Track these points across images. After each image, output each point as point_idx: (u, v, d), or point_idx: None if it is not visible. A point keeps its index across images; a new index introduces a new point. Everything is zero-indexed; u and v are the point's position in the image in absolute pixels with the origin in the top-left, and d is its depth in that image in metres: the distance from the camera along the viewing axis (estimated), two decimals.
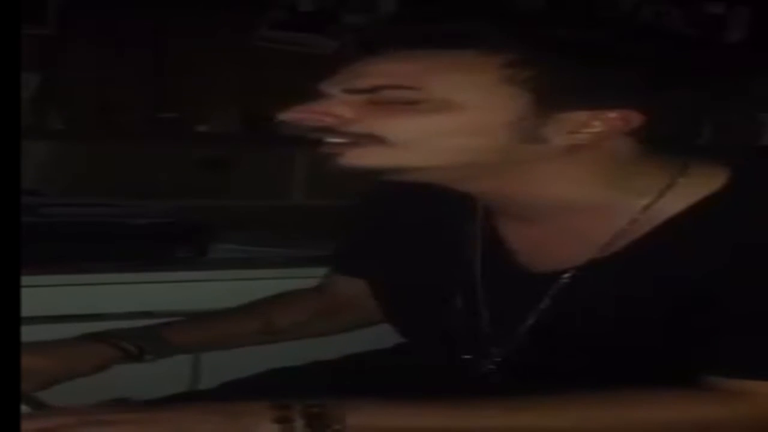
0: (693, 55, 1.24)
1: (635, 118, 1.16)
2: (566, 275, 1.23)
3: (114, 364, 1.41)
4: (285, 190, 2.75)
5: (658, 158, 1.21)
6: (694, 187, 1.19)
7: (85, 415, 1.11)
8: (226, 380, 1.50)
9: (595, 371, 1.21)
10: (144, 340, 1.43)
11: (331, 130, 1.17)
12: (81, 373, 1.40)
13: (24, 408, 1.14)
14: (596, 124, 1.15)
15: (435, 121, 1.14)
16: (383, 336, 1.51)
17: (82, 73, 2.49)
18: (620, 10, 2.95)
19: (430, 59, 1.14)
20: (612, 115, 1.15)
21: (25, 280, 1.09)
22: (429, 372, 1.37)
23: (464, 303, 1.31)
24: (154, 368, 1.47)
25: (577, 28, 1.17)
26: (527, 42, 1.14)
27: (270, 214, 2.56)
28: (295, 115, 1.18)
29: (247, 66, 2.63)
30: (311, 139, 1.19)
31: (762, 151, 1.26)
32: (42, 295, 1.83)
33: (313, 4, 2.71)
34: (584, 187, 1.20)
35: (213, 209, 2.37)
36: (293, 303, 1.58)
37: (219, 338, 1.53)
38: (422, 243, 1.37)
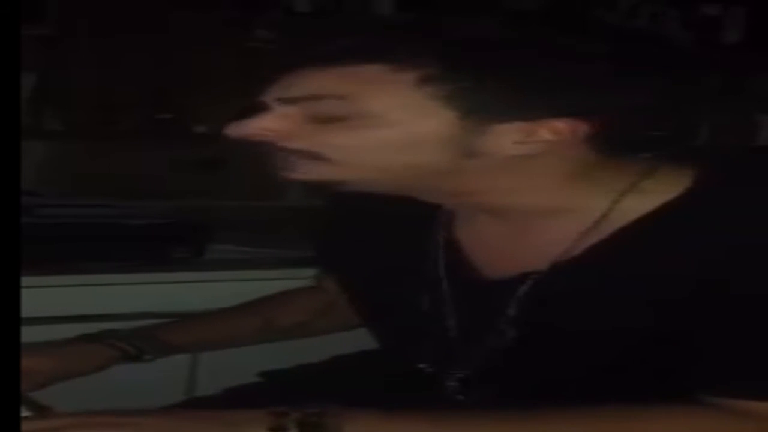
0: (638, 56, 1.19)
1: (582, 127, 1.12)
2: (528, 280, 1.20)
3: (112, 365, 1.42)
4: (282, 190, 2.74)
5: (621, 161, 1.18)
6: (658, 191, 1.16)
7: (82, 417, 1.11)
8: (223, 385, 1.49)
9: (566, 384, 1.20)
10: (142, 340, 1.43)
11: (273, 145, 1.16)
12: (79, 374, 1.40)
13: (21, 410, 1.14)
14: (543, 133, 1.11)
15: (367, 136, 1.12)
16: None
17: (80, 73, 2.49)
18: (618, 11, 2.96)
19: (346, 72, 1.12)
20: (559, 124, 1.11)
21: (22, 280, 1.08)
22: (404, 378, 1.35)
23: (430, 307, 1.28)
24: (151, 371, 1.47)
25: (491, 40, 1.13)
26: (437, 58, 1.10)
27: (267, 215, 2.56)
28: (239, 131, 1.17)
29: (245, 67, 2.63)
30: (258, 153, 1.19)
31: (732, 152, 1.23)
32: (38, 296, 1.83)
33: (309, 5, 2.71)
34: (544, 192, 1.17)
35: (210, 210, 2.37)
36: (292, 302, 1.58)
37: (218, 338, 1.53)
38: (388, 245, 1.34)
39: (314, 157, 1.14)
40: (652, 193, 1.16)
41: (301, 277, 1.68)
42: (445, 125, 1.11)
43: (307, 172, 1.16)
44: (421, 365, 1.31)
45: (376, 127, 1.11)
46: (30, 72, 2.35)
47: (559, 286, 1.18)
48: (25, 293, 1.09)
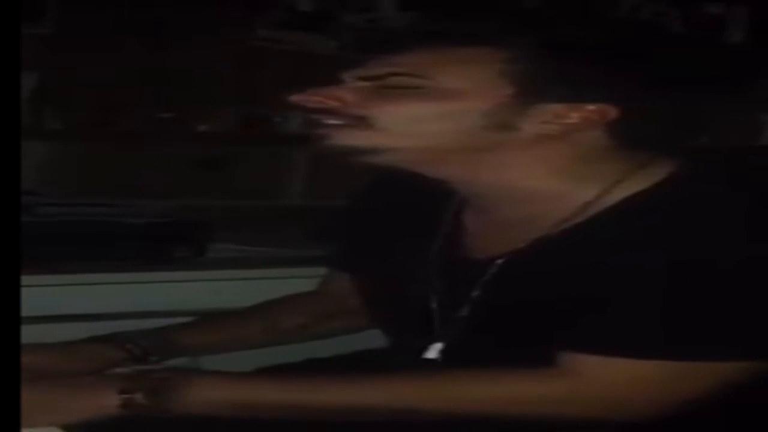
0: (678, 55, 1.26)
1: (611, 113, 1.20)
2: (498, 261, 1.26)
3: (119, 366, 1.41)
4: (283, 189, 2.75)
5: (623, 153, 1.24)
6: (640, 183, 1.22)
7: None
8: None
9: (529, 355, 1.22)
10: (149, 341, 1.43)
11: (329, 112, 1.24)
12: (85, 374, 1.39)
13: None
14: (572, 116, 1.20)
15: (422, 106, 1.21)
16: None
17: (80, 72, 2.48)
18: (620, 10, 2.96)
19: (442, 52, 1.22)
20: (590, 107, 1.20)
21: (22, 280, 1.08)
22: (381, 358, 1.42)
23: (422, 290, 1.34)
24: None
25: (571, 26, 1.24)
26: (527, 40, 1.21)
27: (268, 214, 2.56)
28: (302, 97, 1.24)
29: (246, 66, 2.63)
30: (308, 120, 1.26)
31: (710, 152, 1.28)
32: (38, 295, 1.83)
33: (312, 4, 2.71)
34: (544, 176, 1.24)
35: (211, 209, 2.37)
36: (296, 306, 1.58)
37: (223, 341, 1.52)
38: (394, 236, 1.40)
39: (361, 122, 1.22)
40: (634, 185, 1.21)
41: (301, 276, 1.69)
42: (498, 98, 1.20)
43: (344, 138, 1.23)
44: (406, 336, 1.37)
45: (441, 98, 1.21)
46: (27, 71, 2.34)
47: (523, 268, 1.24)
48: (24, 293, 1.09)
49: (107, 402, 1.18)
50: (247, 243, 2.25)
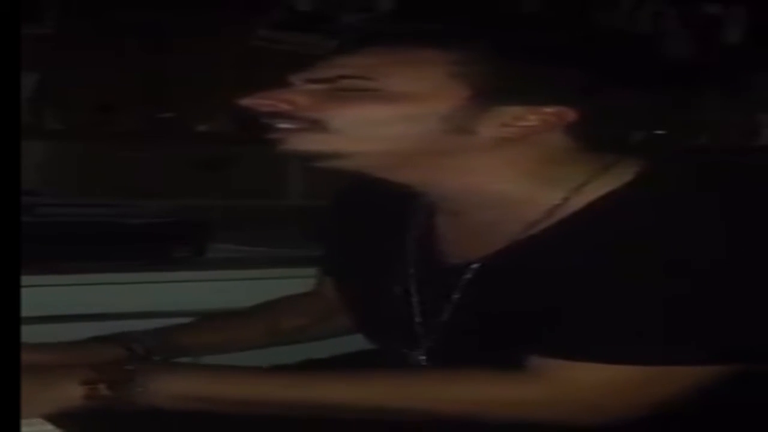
0: (638, 56, 1.26)
1: (569, 115, 1.20)
2: (474, 266, 1.26)
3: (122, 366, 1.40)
4: (282, 189, 2.75)
5: (587, 155, 1.23)
6: (605, 185, 1.21)
7: None
8: None
9: (506, 358, 1.22)
10: (152, 342, 1.43)
11: (283, 116, 1.23)
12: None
13: None
14: (531, 118, 1.20)
15: (377, 109, 1.20)
16: None
17: (79, 72, 2.48)
18: (619, 11, 2.96)
19: (392, 54, 1.21)
20: (547, 110, 1.19)
21: (22, 280, 1.08)
22: (365, 362, 1.41)
23: (400, 298, 1.34)
24: None
25: (527, 29, 1.24)
26: (479, 42, 1.21)
27: (267, 214, 2.56)
28: (253, 101, 1.24)
29: (245, 65, 2.63)
30: (261, 125, 1.25)
31: (677, 153, 1.29)
32: (37, 295, 1.83)
33: (311, 4, 2.71)
34: (509, 179, 1.23)
35: (210, 209, 2.37)
36: (296, 306, 1.58)
37: (225, 341, 1.53)
38: (371, 240, 1.41)
39: (319, 127, 1.21)
40: (601, 187, 1.21)
41: (300, 276, 1.69)
42: (454, 101, 1.19)
43: (303, 143, 1.23)
44: (389, 344, 1.37)
45: (393, 101, 1.20)
46: (26, 71, 2.34)
47: (498, 272, 1.25)
48: (24, 293, 1.09)
49: (71, 393, 1.18)
50: (246, 243, 2.25)
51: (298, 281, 1.66)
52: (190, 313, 1.68)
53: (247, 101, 1.24)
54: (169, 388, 1.19)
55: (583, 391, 1.17)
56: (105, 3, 2.48)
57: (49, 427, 1.15)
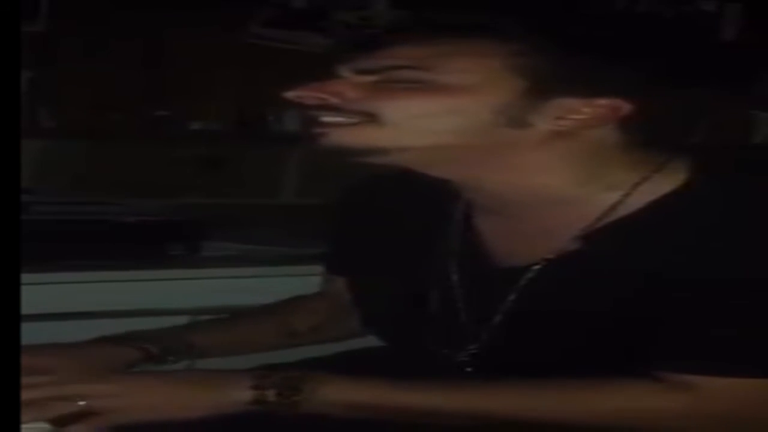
0: (692, 53, 1.25)
1: (624, 108, 1.18)
2: (534, 268, 1.23)
3: (136, 366, 1.37)
4: (278, 188, 2.75)
5: (638, 153, 1.22)
6: (662, 184, 1.20)
7: (66, 386, 1.16)
8: None
9: (563, 364, 1.21)
10: (167, 342, 1.39)
11: (330, 109, 1.19)
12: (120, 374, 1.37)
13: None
14: (585, 111, 1.17)
15: (430, 102, 1.17)
16: None
17: (75, 70, 2.48)
18: (615, 5, 2.95)
19: (446, 45, 1.18)
20: (602, 101, 1.17)
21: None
22: (405, 366, 1.36)
23: (441, 298, 1.31)
24: None
25: (584, 22, 1.22)
26: (537, 34, 1.18)
27: (263, 212, 2.56)
28: (301, 93, 1.20)
29: (241, 64, 2.63)
30: (308, 117, 1.21)
31: (733, 151, 1.28)
32: (34, 294, 1.83)
33: (306, 2, 2.71)
34: (560, 179, 1.21)
35: (206, 207, 2.37)
36: (307, 307, 1.55)
37: (240, 342, 1.49)
38: (401, 239, 1.37)
39: (368, 119, 1.17)
40: (657, 187, 1.20)
41: (297, 274, 1.69)
42: (509, 94, 1.17)
43: (350, 136, 1.19)
44: (432, 347, 1.33)
45: (446, 93, 1.17)
46: (29, 71, 2.34)
47: (559, 274, 1.22)
48: (22, 291, 1.08)
49: (239, 397, 1.17)
50: (243, 241, 2.25)
51: (293, 279, 1.65)
52: (185, 311, 1.68)
53: (294, 94, 1.20)
54: (336, 396, 1.18)
55: (726, 404, 1.15)
56: (103, 2, 2.47)
57: (49, 427, 1.15)
